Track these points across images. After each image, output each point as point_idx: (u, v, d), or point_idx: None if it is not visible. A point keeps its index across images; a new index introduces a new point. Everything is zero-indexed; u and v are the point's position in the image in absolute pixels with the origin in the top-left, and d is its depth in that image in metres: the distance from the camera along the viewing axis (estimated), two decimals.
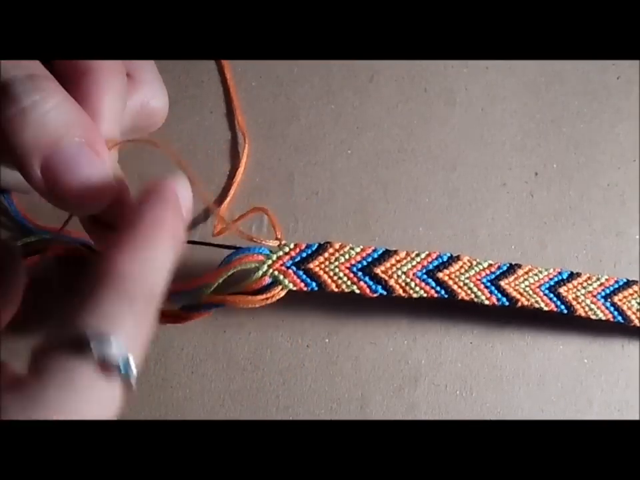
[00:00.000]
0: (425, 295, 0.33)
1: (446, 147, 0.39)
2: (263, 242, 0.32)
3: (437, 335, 0.36)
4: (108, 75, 0.28)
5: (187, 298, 0.32)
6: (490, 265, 0.34)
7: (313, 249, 0.33)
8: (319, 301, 0.35)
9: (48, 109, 0.25)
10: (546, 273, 0.35)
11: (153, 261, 0.24)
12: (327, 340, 0.36)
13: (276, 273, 0.32)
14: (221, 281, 0.31)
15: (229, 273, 0.31)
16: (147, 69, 0.32)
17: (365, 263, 0.33)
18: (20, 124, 0.25)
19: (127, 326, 0.22)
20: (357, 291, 0.33)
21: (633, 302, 0.35)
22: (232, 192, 0.37)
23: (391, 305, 0.36)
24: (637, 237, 0.38)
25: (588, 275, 0.35)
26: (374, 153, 0.38)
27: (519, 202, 0.38)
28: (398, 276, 0.33)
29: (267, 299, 0.32)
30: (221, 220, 0.32)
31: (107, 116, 0.28)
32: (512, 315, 0.36)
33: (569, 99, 0.40)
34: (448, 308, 0.36)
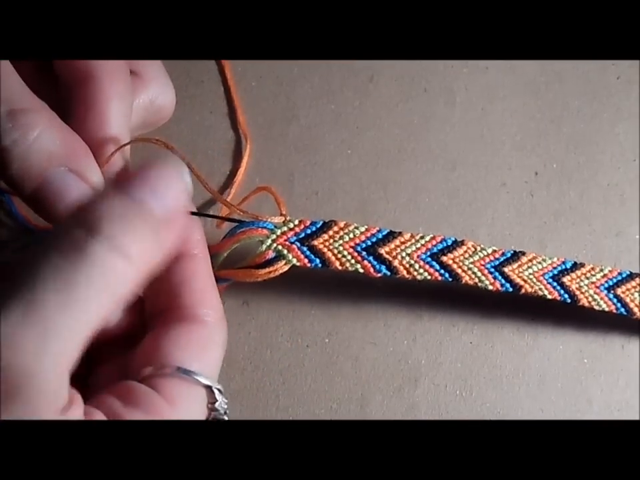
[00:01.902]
0: (429, 277, 0.33)
1: (446, 147, 0.39)
2: (268, 218, 0.32)
3: (437, 334, 0.36)
4: (112, 80, 0.29)
5: None
6: (494, 251, 0.34)
7: (318, 226, 0.33)
8: (319, 300, 0.35)
9: (29, 145, 0.26)
10: (550, 262, 0.35)
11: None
12: (326, 340, 0.36)
13: (280, 247, 0.32)
14: (225, 254, 0.32)
15: (234, 246, 0.32)
16: (153, 66, 0.33)
17: (369, 242, 0.33)
18: (4, 161, 0.26)
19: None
20: (361, 270, 0.32)
21: (636, 294, 0.35)
22: (232, 192, 0.37)
23: (391, 305, 0.36)
24: (637, 236, 0.38)
25: (591, 266, 0.35)
26: (374, 153, 0.38)
27: (519, 202, 0.38)
28: (402, 257, 0.33)
29: (270, 272, 0.32)
30: (227, 205, 0.32)
31: (114, 121, 0.29)
32: (512, 315, 0.36)
33: (569, 99, 0.40)
34: (448, 308, 0.36)
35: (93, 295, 0.21)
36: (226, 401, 0.27)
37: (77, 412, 0.22)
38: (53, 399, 0.21)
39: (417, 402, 0.36)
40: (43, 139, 0.26)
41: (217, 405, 0.26)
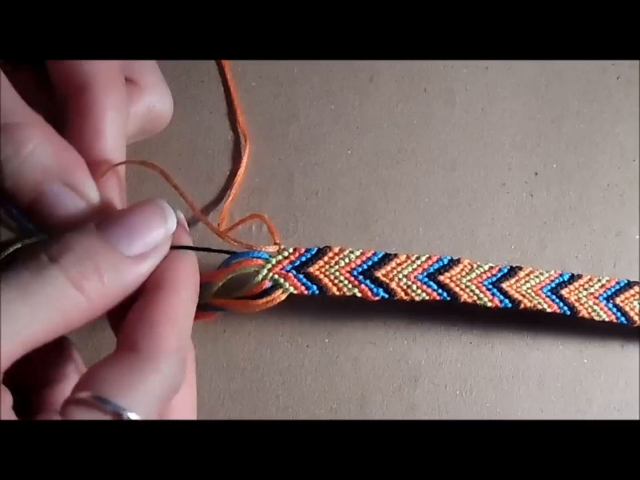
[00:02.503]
0: (427, 298, 0.33)
1: (446, 147, 0.39)
2: (262, 247, 0.32)
3: (437, 335, 0.36)
4: (107, 90, 0.29)
5: None
6: (491, 268, 0.34)
7: (312, 253, 0.33)
8: (319, 301, 0.35)
9: (22, 160, 0.26)
10: (547, 275, 0.35)
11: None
12: (326, 340, 0.36)
13: (276, 276, 0.32)
14: (220, 284, 0.31)
15: (229, 277, 0.31)
16: (151, 74, 0.33)
17: (365, 266, 0.33)
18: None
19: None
20: (359, 294, 0.33)
21: (635, 303, 0.35)
22: (233, 192, 0.37)
23: (391, 305, 0.36)
24: (637, 237, 0.38)
25: (589, 277, 0.35)
26: (374, 153, 0.38)
27: (519, 202, 0.38)
28: (399, 279, 0.33)
29: (268, 302, 0.32)
30: (220, 236, 0.32)
31: (110, 132, 0.29)
32: (512, 316, 0.36)
33: (569, 99, 0.40)
34: (448, 308, 0.36)
35: (43, 309, 0.23)
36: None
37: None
38: None
39: (416, 402, 0.36)
40: (38, 153, 0.26)
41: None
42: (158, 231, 0.26)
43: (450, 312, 0.36)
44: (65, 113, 0.29)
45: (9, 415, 0.23)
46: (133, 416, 0.24)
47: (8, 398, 0.24)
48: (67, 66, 0.29)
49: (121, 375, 0.25)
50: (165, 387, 0.25)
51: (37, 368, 0.28)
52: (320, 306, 0.36)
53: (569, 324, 0.36)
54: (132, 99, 0.31)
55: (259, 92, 0.39)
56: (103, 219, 0.26)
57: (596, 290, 0.35)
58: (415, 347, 0.36)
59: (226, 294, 0.32)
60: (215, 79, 0.39)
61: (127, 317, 0.26)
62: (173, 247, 0.28)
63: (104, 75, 0.29)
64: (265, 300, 0.32)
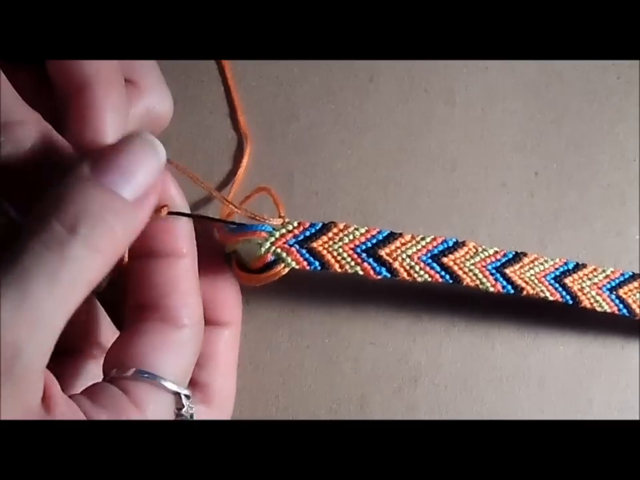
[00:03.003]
0: (430, 280, 0.33)
1: (446, 147, 0.39)
2: (266, 220, 0.32)
3: (437, 335, 0.36)
4: (106, 91, 0.29)
5: None
6: (495, 252, 0.34)
7: (317, 227, 0.32)
8: (319, 300, 0.35)
9: (19, 161, 0.26)
10: (552, 263, 0.35)
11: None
12: (326, 340, 0.36)
13: (279, 250, 0.32)
14: (229, 250, 0.32)
15: (233, 249, 0.32)
16: (150, 74, 0.33)
17: (369, 244, 0.33)
18: None
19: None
20: (361, 272, 0.32)
21: (638, 295, 0.35)
22: (232, 192, 0.37)
23: (391, 305, 0.36)
24: (637, 237, 0.38)
25: (594, 267, 0.35)
26: (374, 153, 0.38)
27: (519, 202, 0.38)
28: (402, 259, 0.33)
29: (269, 276, 0.32)
30: (226, 204, 0.32)
31: (109, 133, 0.29)
32: (512, 315, 0.36)
33: (569, 98, 0.40)
34: (448, 308, 0.36)
35: (72, 288, 0.23)
36: (192, 407, 0.27)
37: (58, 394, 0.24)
38: (37, 377, 0.23)
39: (416, 402, 0.36)
40: (37, 152, 0.27)
41: (183, 410, 0.27)
42: (152, 166, 0.26)
43: (450, 312, 0.36)
44: (64, 112, 0.29)
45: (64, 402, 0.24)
46: (172, 386, 0.26)
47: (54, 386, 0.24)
48: (67, 66, 0.29)
49: (169, 350, 0.26)
50: (197, 356, 0.28)
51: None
52: (320, 306, 0.36)
53: (570, 324, 0.36)
54: (131, 100, 0.31)
55: (258, 92, 0.39)
56: (94, 160, 0.25)
57: (600, 280, 0.35)
58: (414, 347, 0.36)
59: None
60: (215, 78, 0.39)
61: (145, 285, 0.27)
62: (177, 214, 0.28)
63: (104, 75, 0.29)
64: (266, 274, 0.32)
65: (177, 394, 0.26)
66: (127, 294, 0.29)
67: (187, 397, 0.27)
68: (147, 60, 0.33)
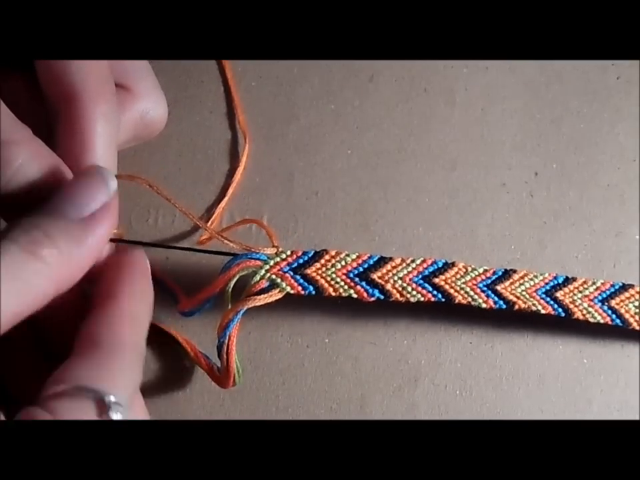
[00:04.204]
0: (422, 299, 0.33)
1: (446, 147, 0.39)
2: (260, 249, 0.32)
3: (437, 334, 0.36)
4: (96, 100, 0.29)
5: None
6: (485, 271, 0.34)
7: (310, 255, 0.33)
8: (319, 301, 0.35)
9: (11, 177, 0.27)
10: (541, 278, 0.35)
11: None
12: (326, 340, 0.36)
13: (273, 276, 0.32)
14: (229, 290, 0.32)
15: (233, 281, 0.32)
16: (144, 79, 0.33)
17: (361, 269, 0.33)
18: None
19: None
20: (354, 295, 0.33)
21: (631, 305, 0.35)
22: (230, 191, 0.37)
23: (391, 305, 0.36)
24: (637, 237, 0.38)
25: (584, 279, 0.35)
26: (374, 153, 0.38)
27: (519, 202, 0.38)
28: (394, 281, 0.33)
29: (265, 298, 0.32)
30: (208, 231, 0.33)
31: (99, 143, 0.29)
32: (512, 316, 0.36)
33: (569, 98, 0.40)
34: (448, 308, 0.36)
35: (7, 284, 0.23)
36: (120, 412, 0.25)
37: None
38: None
39: (416, 402, 0.36)
40: (26, 169, 0.27)
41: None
42: (100, 191, 0.27)
43: (450, 312, 0.36)
44: (55, 122, 0.29)
45: None
46: (114, 399, 0.24)
47: None
48: (56, 75, 0.29)
49: (92, 367, 0.25)
50: (133, 376, 0.26)
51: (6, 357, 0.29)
52: (320, 306, 0.36)
53: (569, 324, 0.36)
54: (124, 106, 0.31)
55: (259, 92, 0.39)
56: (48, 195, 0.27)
57: (591, 292, 0.35)
58: (414, 347, 0.36)
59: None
60: (215, 78, 0.39)
61: (84, 324, 0.27)
62: (127, 242, 0.30)
63: (93, 84, 0.29)
64: (261, 297, 0.32)
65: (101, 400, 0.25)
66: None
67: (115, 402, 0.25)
68: (143, 63, 0.33)
